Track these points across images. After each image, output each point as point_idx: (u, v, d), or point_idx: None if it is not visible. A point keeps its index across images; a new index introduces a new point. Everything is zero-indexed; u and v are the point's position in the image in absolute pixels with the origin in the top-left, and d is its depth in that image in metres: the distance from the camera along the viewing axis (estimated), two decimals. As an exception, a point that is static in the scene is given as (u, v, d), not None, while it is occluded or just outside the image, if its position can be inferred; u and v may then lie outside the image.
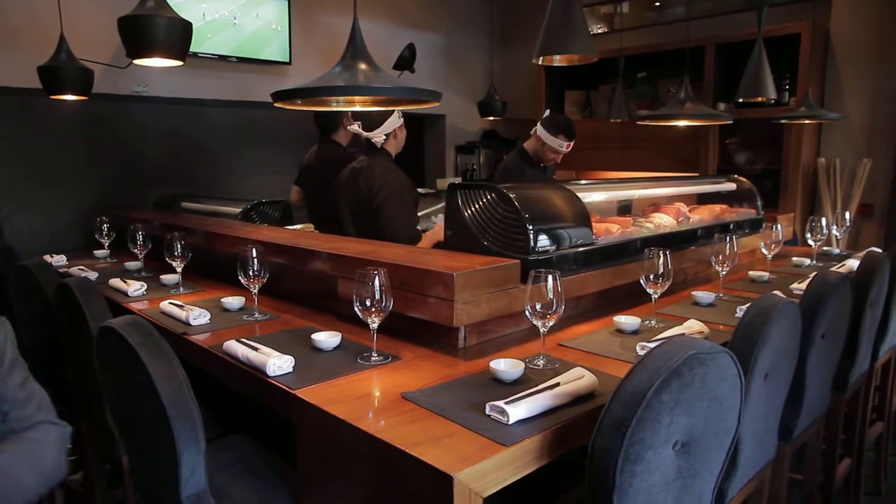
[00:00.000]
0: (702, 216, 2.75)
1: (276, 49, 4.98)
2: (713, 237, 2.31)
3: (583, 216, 2.06)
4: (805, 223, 3.02)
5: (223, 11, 4.65)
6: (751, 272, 2.67)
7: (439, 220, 3.32)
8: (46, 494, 2.46)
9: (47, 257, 3.17)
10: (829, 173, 4.55)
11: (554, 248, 1.93)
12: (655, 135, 5.05)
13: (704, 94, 4.90)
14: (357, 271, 1.56)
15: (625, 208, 3.00)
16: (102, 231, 3.22)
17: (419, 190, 4.17)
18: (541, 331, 1.59)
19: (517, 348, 1.75)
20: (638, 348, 1.68)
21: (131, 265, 2.91)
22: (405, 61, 5.14)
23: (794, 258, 3.04)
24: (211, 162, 4.85)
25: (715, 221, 2.79)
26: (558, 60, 2.10)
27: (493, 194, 1.93)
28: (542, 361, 1.59)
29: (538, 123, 3.61)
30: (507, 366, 1.48)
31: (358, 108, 1.74)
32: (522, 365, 1.49)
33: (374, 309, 1.56)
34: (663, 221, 2.48)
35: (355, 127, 2.80)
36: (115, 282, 2.53)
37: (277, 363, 1.53)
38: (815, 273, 1.98)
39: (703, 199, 3.19)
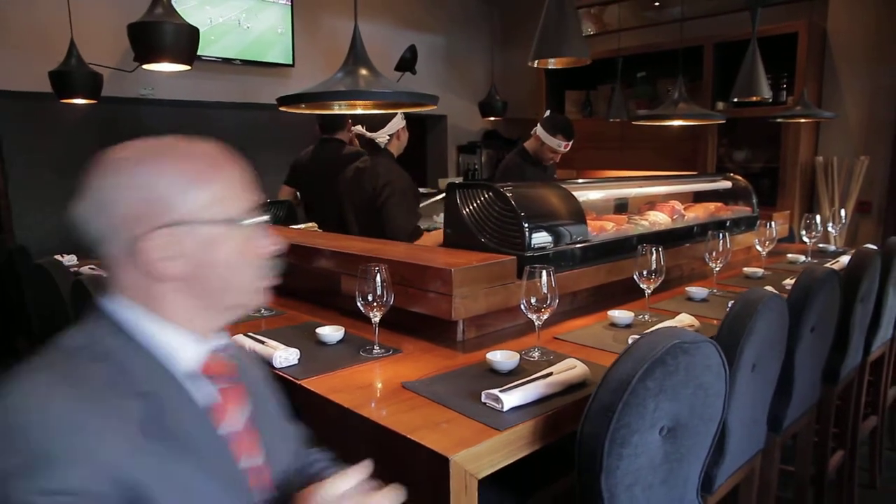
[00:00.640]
0: (696, 214, 2.81)
1: (279, 52, 5.05)
2: (707, 234, 2.37)
3: (578, 214, 2.12)
4: (802, 221, 3.08)
5: (228, 15, 4.73)
6: (745, 269, 2.73)
7: (441, 219, 3.39)
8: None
9: (58, 257, 3.24)
10: (827, 171, 4.60)
11: (549, 244, 2.00)
12: (655, 134, 5.11)
13: (703, 93, 4.95)
14: (359, 267, 1.63)
15: (621, 206, 3.05)
16: (111, 231, 3.29)
17: (421, 189, 4.24)
18: (535, 324, 1.66)
19: (514, 341, 1.81)
20: (629, 341, 1.74)
21: (140, 264, 2.98)
22: (406, 63, 5.20)
23: (790, 255, 3.10)
24: (216, 163, 4.92)
25: (710, 219, 2.84)
26: (553, 63, 2.17)
27: (490, 193, 2.00)
28: (536, 353, 1.66)
29: (538, 124, 3.68)
30: (502, 357, 1.55)
31: (359, 111, 1.81)
32: (517, 356, 1.56)
33: (375, 304, 1.63)
34: (658, 219, 2.54)
35: (359, 128, 2.88)
36: (125, 280, 2.60)
37: (284, 355, 1.60)
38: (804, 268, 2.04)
39: (699, 197, 3.25)
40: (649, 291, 2.01)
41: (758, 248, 2.85)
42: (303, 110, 1.76)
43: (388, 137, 2.86)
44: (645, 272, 1.97)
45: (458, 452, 1.14)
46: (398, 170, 2.83)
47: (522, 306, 1.63)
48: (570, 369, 1.46)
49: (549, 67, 2.25)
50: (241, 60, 4.85)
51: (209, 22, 4.60)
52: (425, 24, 6.14)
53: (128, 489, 0.70)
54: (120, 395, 0.75)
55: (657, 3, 5.80)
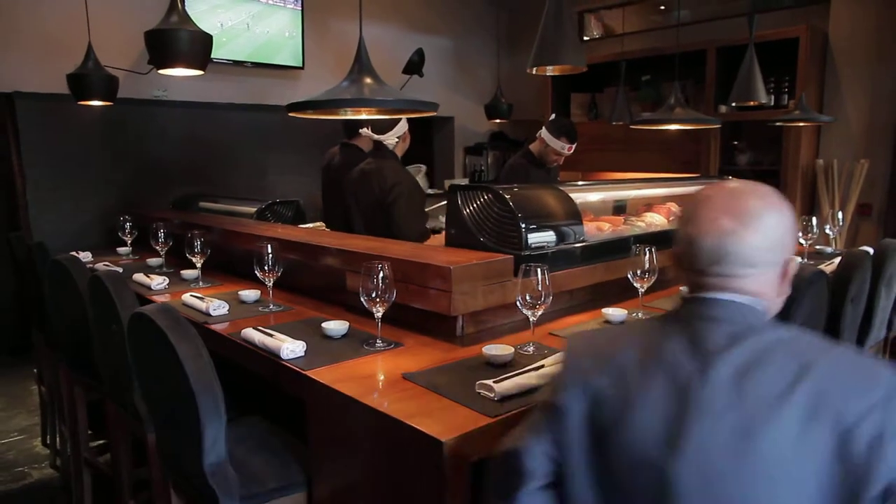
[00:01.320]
0: (693, 216, 2.88)
1: (289, 55, 5.15)
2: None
3: (574, 215, 2.20)
4: (799, 223, 3.14)
5: (239, 19, 4.83)
6: (740, 269, 2.79)
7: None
8: (74, 475, 2.65)
9: (74, 253, 3.35)
10: (828, 174, 4.65)
11: (546, 244, 2.08)
12: (658, 137, 5.17)
13: (706, 96, 5.02)
14: (363, 265, 1.72)
15: (620, 208, 3.12)
16: (125, 229, 3.40)
17: (429, 191, 4.33)
18: (531, 320, 1.74)
19: (510, 336, 1.89)
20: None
21: (153, 261, 3.08)
22: (414, 66, 5.29)
23: (786, 256, 3.16)
24: (227, 163, 5.04)
25: (706, 221, 2.91)
26: (551, 70, 2.25)
27: (489, 194, 2.08)
28: (531, 348, 1.74)
29: (542, 126, 3.76)
30: (498, 350, 1.63)
31: (364, 117, 1.90)
32: (512, 350, 1.64)
33: (378, 299, 1.72)
34: (654, 220, 2.61)
35: (366, 130, 2.97)
36: (139, 276, 2.70)
37: (291, 348, 1.69)
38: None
39: (698, 199, 3.31)
40: (643, 290, 2.08)
41: (754, 249, 2.92)
42: (310, 115, 1.85)
43: (395, 140, 2.96)
44: (639, 271, 2.05)
45: (451, 437, 1.22)
46: (404, 171, 2.93)
47: (518, 303, 1.71)
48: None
49: (548, 74, 2.33)
50: (251, 63, 4.95)
51: (220, 26, 4.71)
52: (433, 27, 6.23)
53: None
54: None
55: (662, 7, 5.87)
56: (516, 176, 3.74)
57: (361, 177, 2.99)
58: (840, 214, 3.47)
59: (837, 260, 2.94)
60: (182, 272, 2.78)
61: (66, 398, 2.65)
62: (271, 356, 1.71)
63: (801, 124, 4.09)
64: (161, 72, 2.67)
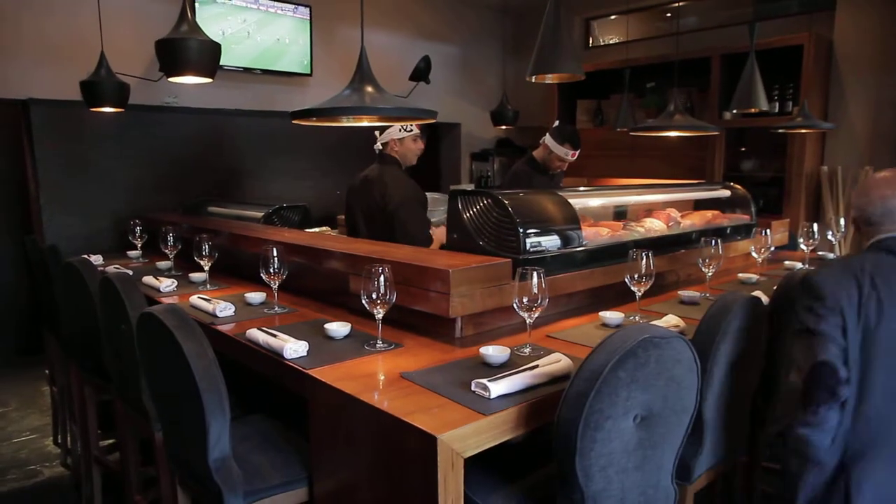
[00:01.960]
0: (693, 221, 2.91)
1: (298, 62, 5.23)
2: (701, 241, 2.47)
3: (573, 220, 2.24)
4: (800, 229, 3.17)
5: (250, 28, 4.92)
6: (740, 274, 2.82)
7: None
8: (85, 473, 2.71)
9: (85, 256, 3.42)
10: (832, 181, 4.66)
11: (544, 248, 2.12)
12: (663, 143, 5.21)
13: (710, 103, 5.05)
14: (364, 268, 1.77)
15: (621, 214, 3.16)
16: (135, 233, 3.46)
17: (435, 195, 4.38)
18: (527, 322, 1.78)
19: (508, 338, 1.93)
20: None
21: (162, 264, 3.15)
22: (420, 73, 5.36)
23: (787, 262, 3.19)
24: (235, 168, 5.11)
25: (706, 226, 2.94)
26: (550, 79, 2.29)
27: (488, 200, 2.13)
28: (528, 349, 1.78)
29: (546, 133, 3.81)
30: (494, 351, 1.67)
31: (365, 124, 1.95)
32: (508, 351, 1.69)
33: (379, 301, 1.77)
34: (653, 226, 2.64)
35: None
36: (149, 279, 2.77)
37: (293, 347, 1.74)
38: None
39: (700, 205, 3.35)
40: (640, 294, 2.12)
41: (753, 254, 2.95)
42: (314, 122, 1.91)
43: (381, 145, 3.04)
44: (636, 276, 2.08)
45: (445, 433, 1.26)
46: (404, 179, 2.98)
47: (515, 305, 1.75)
48: (555, 363, 1.58)
49: (547, 82, 2.37)
50: (261, 70, 5.03)
51: (230, 32, 4.79)
52: (440, 35, 6.30)
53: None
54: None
55: (668, 15, 5.91)
56: (519, 182, 3.78)
57: (363, 183, 3.05)
58: (843, 221, 3.49)
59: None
60: (190, 275, 2.84)
61: (76, 398, 2.71)
62: (275, 356, 1.76)
63: (804, 131, 4.12)
64: (172, 80, 2.74)
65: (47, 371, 3.55)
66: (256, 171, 5.22)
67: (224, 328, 2.07)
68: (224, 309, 2.22)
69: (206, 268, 2.69)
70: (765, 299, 2.11)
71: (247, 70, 4.96)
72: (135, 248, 3.53)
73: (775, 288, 2.02)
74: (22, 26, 4.03)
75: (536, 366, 1.56)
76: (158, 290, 2.63)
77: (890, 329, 1.51)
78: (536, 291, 1.71)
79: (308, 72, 5.29)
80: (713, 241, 2.40)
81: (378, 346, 1.83)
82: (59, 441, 3.40)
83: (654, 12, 5.99)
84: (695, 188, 3.42)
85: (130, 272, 3.01)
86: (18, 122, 4.38)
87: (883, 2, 4.47)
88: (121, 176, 4.52)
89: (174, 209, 4.38)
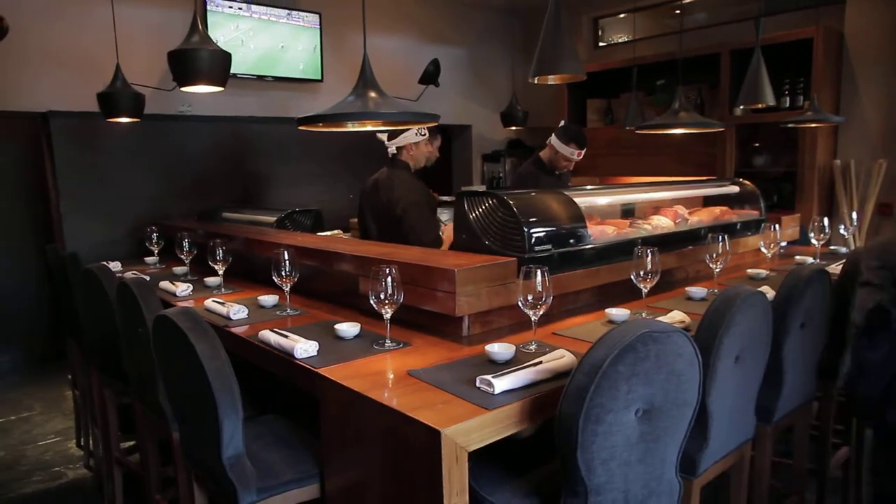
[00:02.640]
0: (701, 218, 2.92)
1: (309, 68, 5.31)
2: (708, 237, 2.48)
3: (578, 218, 2.27)
4: (811, 223, 3.15)
5: (263, 37, 5.00)
6: (749, 270, 2.83)
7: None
8: (106, 474, 2.78)
9: (103, 264, 3.51)
10: (845, 175, 4.63)
11: (549, 247, 2.15)
12: (673, 141, 5.20)
13: (720, 99, 5.04)
14: (372, 268, 1.81)
15: (629, 212, 3.17)
16: (152, 240, 3.54)
17: (445, 198, 4.42)
18: (532, 319, 1.81)
19: (514, 336, 1.96)
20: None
21: (178, 270, 3.22)
22: (430, 76, 5.40)
23: (798, 257, 3.18)
24: (249, 174, 5.20)
25: (714, 223, 2.95)
26: (553, 80, 2.32)
27: (493, 200, 2.16)
28: (533, 346, 1.81)
29: (552, 133, 3.83)
30: (500, 349, 1.71)
31: (369, 129, 2.00)
32: (514, 348, 1.72)
33: (387, 301, 1.81)
34: (661, 223, 2.66)
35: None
36: (165, 284, 2.83)
37: (304, 347, 1.79)
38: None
39: (708, 201, 3.35)
40: (646, 291, 2.13)
41: (763, 250, 2.95)
42: (320, 129, 1.96)
43: (395, 149, 3.07)
44: (641, 273, 2.10)
45: (449, 427, 1.30)
46: (412, 182, 3.02)
47: (520, 303, 1.78)
48: (558, 359, 1.61)
49: (549, 83, 2.40)
50: (273, 77, 5.11)
51: (243, 41, 4.87)
52: (449, 37, 6.34)
53: None
54: None
55: (678, 12, 5.90)
56: (525, 183, 3.81)
57: (374, 187, 3.10)
58: (854, 215, 3.47)
59: (848, 260, 2.96)
60: (205, 279, 2.90)
61: (97, 401, 2.79)
62: (286, 356, 1.81)
63: (814, 125, 4.10)
64: (184, 89, 2.81)
65: (70, 376, 3.64)
66: (270, 177, 5.30)
67: (237, 330, 2.12)
68: (237, 312, 2.27)
69: (221, 272, 2.75)
70: (770, 294, 2.13)
71: (259, 77, 5.04)
72: (152, 254, 3.60)
73: (782, 282, 2.03)
74: (40, 42, 4.14)
75: (540, 362, 1.59)
76: (174, 295, 2.69)
77: None
78: (541, 289, 1.74)
79: (319, 78, 5.36)
80: (720, 237, 2.41)
81: (387, 345, 1.87)
82: (82, 444, 3.48)
83: (663, 10, 5.98)
84: (703, 185, 3.43)
85: (148, 278, 3.09)
86: (39, 134, 4.50)
87: (894, -7, 4.44)
88: (138, 184, 4.62)
89: (190, 215, 4.46)
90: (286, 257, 2.24)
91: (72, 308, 2.97)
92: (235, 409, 1.59)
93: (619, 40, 6.38)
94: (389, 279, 1.79)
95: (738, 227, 3.10)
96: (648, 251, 2.08)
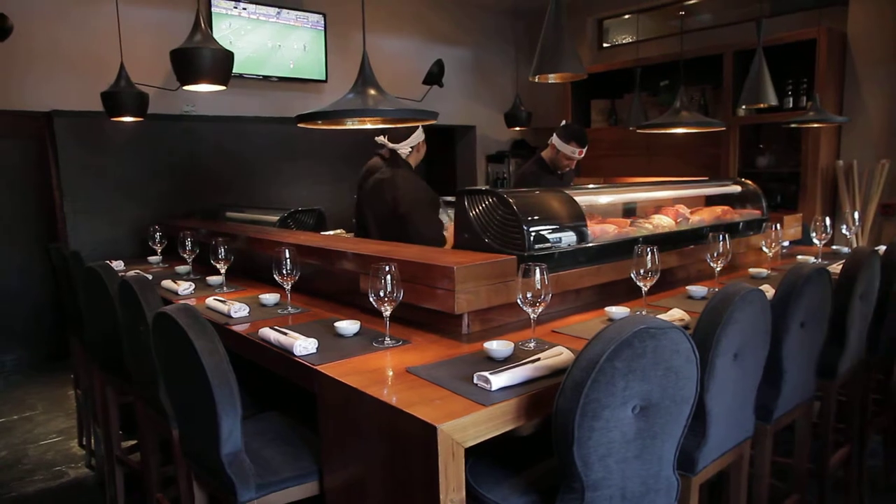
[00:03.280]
0: (702, 217, 2.92)
1: (313, 69, 5.32)
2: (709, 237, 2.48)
3: (578, 217, 2.27)
4: (812, 223, 3.15)
5: (267, 37, 5.02)
6: (751, 269, 2.82)
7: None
8: (108, 473, 2.79)
9: (106, 262, 3.52)
10: (848, 175, 4.62)
11: (549, 245, 2.15)
12: (677, 141, 5.20)
13: (724, 100, 5.03)
14: (371, 266, 1.81)
15: (631, 211, 3.17)
16: (155, 239, 3.56)
17: (448, 198, 4.42)
18: (531, 317, 1.81)
19: (514, 334, 1.96)
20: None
21: (181, 268, 3.23)
22: (433, 77, 5.40)
23: (800, 256, 3.17)
24: (252, 174, 5.21)
25: (715, 222, 2.95)
26: (553, 78, 2.33)
27: (493, 198, 2.17)
28: (532, 344, 1.81)
29: (553, 133, 3.83)
30: (498, 346, 1.71)
31: (368, 126, 2.00)
32: (512, 345, 1.72)
33: (386, 299, 1.81)
34: (662, 222, 2.66)
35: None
36: (167, 283, 2.84)
37: (303, 344, 1.79)
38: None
39: (710, 201, 3.35)
40: (646, 289, 2.13)
41: (764, 249, 2.94)
42: (319, 126, 1.96)
43: (409, 150, 3.07)
44: (642, 271, 2.10)
45: (445, 423, 1.30)
46: (416, 182, 3.03)
47: (519, 300, 1.79)
48: (556, 356, 1.61)
49: (550, 82, 2.41)
50: (277, 77, 5.13)
51: (249, 43, 4.89)
52: (453, 38, 6.35)
53: None
54: None
55: (682, 13, 5.90)
56: (527, 183, 3.81)
57: (375, 186, 3.10)
58: (856, 215, 3.46)
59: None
60: (208, 278, 2.91)
61: (99, 400, 2.80)
62: (285, 353, 1.81)
63: (817, 125, 4.09)
64: (186, 88, 2.82)
65: (72, 375, 3.66)
66: (273, 177, 5.32)
67: (238, 328, 2.13)
68: (238, 310, 2.28)
69: (223, 271, 2.76)
70: (770, 293, 2.13)
71: (264, 78, 5.06)
72: (155, 253, 3.62)
73: (781, 280, 2.02)
74: (45, 41, 4.17)
75: (538, 359, 1.59)
76: (176, 293, 2.70)
77: None
78: (539, 287, 1.74)
79: (323, 78, 5.37)
80: (721, 237, 2.41)
81: (386, 342, 1.87)
82: (84, 443, 3.50)
83: (667, 11, 5.98)
84: (705, 185, 3.42)
85: (150, 276, 3.10)
86: (43, 134, 4.53)
87: (897, -7, 4.43)
88: (141, 183, 4.64)
89: (193, 215, 4.48)
90: (287, 256, 2.25)
91: (75, 307, 2.98)
92: (234, 405, 1.59)
93: (623, 41, 6.38)
94: (389, 277, 1.80)
95: (740, 226, 3.09)
96: (648, 249, 2.08)
